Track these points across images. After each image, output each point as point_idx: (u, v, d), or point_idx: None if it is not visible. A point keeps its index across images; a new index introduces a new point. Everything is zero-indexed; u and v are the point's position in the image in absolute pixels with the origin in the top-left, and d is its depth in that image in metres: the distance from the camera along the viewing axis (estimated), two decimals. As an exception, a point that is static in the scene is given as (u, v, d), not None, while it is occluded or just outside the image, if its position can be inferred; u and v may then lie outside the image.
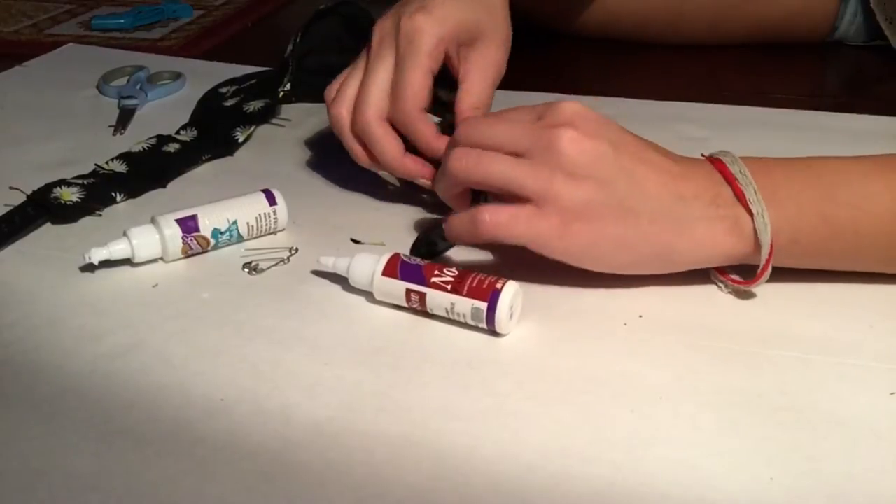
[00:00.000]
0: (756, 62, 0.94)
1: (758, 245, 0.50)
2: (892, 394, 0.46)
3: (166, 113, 0.80)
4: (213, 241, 0.59)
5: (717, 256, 0.51)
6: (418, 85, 0.58)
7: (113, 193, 0.66)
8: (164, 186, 0.68)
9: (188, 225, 0.57)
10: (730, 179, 0.50)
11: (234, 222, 0.59)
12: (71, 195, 0.64)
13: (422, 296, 0.51)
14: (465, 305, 0.49)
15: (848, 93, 0.91)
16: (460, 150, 0.52)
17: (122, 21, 1.08)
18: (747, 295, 0.53)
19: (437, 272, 0.51)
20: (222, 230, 0.59)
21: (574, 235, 0.49)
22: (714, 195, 0.50)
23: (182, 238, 0.57)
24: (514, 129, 0.51)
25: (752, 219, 0.49)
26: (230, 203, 0.60)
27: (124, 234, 0.56)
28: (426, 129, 0.59)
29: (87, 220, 0.64)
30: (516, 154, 0.50)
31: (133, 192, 0.67)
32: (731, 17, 0.95)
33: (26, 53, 0.97)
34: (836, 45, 0.97)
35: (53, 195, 0.64)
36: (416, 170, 0.61)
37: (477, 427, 0.44)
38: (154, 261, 0.57)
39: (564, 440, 0.43)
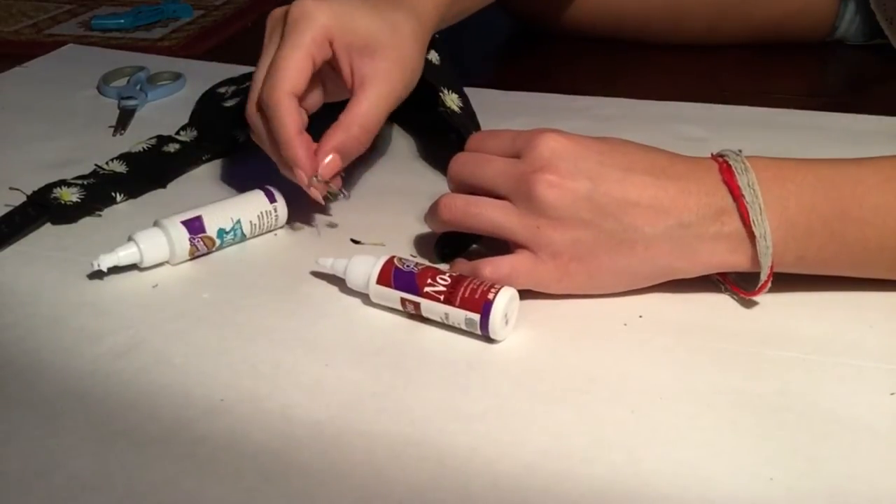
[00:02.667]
0: (756, 62, 0.94)
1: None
2: (892, 394, 0.46)
3: (166, 113, 0.80)
4: (218, 242, 0.59)
5: (718, 269, 0.51)
6: (293, 67, 0.54)
7: (113, 194, 0.66)
8: (164, 187, 0.68)
9: (194, 226, 0.57)
10: (736, 195, 0.48)
11: (238, 221, 0.59)
12: (71, 195, 0.64)
13: (416, 305, 0.51)
14: (458, 316, 0.49)
15: (848, 93, 0.91)
16: (448, 198, 0.53)
17: (122, 21, 1.08)
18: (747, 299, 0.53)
19: (430, 280, 0.50)
20: (227, 230, 0.59)
21: (572, 275, 0.51)
22: (718, 211, 0.49)
23: (189, 239, 0.57)
24: (499, 171, 0.51)
25: (754, 241, 0.49)
26: (231, 202, 0.60)
27: (130, 238, 0.56)
28: (289, 119, 0.54)
29: (88, 221, 0.64)
30: (501, 197, 0.52)
31: (133, 192, 0.67)
32: (731, 17, 0.95)
33: (26, 53, 0.97)
34: (836, 45, 0.97)
35: (53, 195, 0.64)
36: (300, 156, 0.55)
37: (477, 427, 0.44)
38: (161, 264, 0.57)
39: (564, 440, 0.43)
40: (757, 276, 0.50)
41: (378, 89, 0.57)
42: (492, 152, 0.53)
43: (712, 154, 0.51)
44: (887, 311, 0.52)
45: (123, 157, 0.71)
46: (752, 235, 0.48)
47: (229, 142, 0.74)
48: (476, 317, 0.49)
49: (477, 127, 0.69)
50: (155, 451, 0.43)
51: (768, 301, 0.53)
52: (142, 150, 0.72)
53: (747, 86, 0.89)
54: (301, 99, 0.56)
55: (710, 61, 0.94)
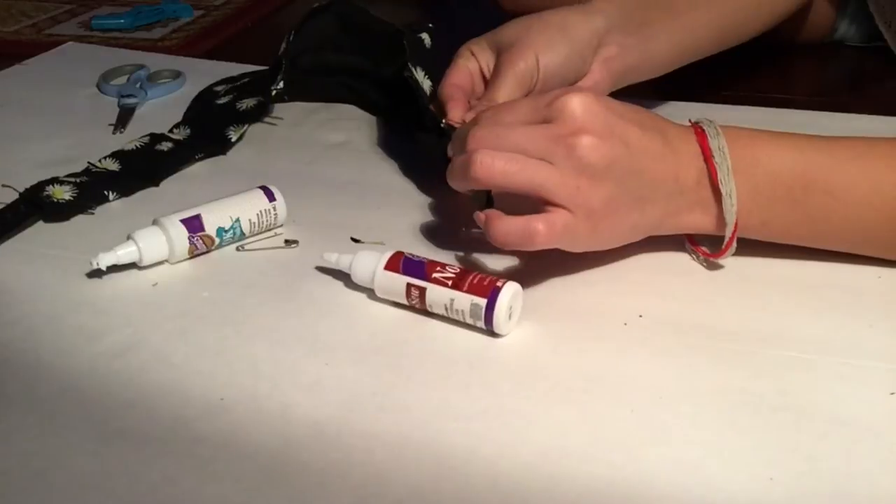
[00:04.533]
0: (756, 62, 0.94)
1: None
2: (892, 394, 0.46)
3: (166, 112, 0.80)
4: (217, 240, 0.58)
5: (690, 230, 0.55)
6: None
7: (105, 192, 0.66)
8: (156, 185, 0.68)
9: (193, 224, 0.57)
10: (707, 156, 0.52)
11: (237, 220, 0.59)
12: (63, 193, 0.64)
13: (422, 291, 0.51)
14: (464, 301, 0.49)
15: (848, 93, 0.91)
16: (485, 153, 0.50)
17: (122, 21, 1.08)
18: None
19: (438, 268, 0.51)
20: (226, 228, 0.59)
21: (601, 232, 0.52)
22: (698, 173, 0.52)
23: (188, 238, 0.57)
24: (529, 136, 0.50)
25: (719, 205, 0.52)
26: (230, 201, 0.60)
27: (129, 237, 0.56)
28: (454, 73, 0.63)
29: (88, 220, 0.64)
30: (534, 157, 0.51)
31: (126, 190, 0.67)
32: (737, 36, 0.95)
33: (26, 53, 0.97)
34: (836, 45, 0.97)
35: (46, 193, 0.64)
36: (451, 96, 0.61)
37: (477, 427, 0.44)
38: (160, 263, 0.57)
39: (564, 440, 0.43)
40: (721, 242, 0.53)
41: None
42: (511, 123, 0.52)
43: (690, 121, 0.54)
44: (887, 311, 0.52)
45: (116, 156, 0.70)
46: (718, 195, 0.51)
47: (222, 140, 0.74)
48: (482, 302, 0.49)
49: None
50: (155, 450, 0.43)
51: (768, 301, 0.53)
52: (135, 148, 0.72)
53: (747, 86, 0.89)
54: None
55: (710, 61, 0.94)
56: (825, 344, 0.50)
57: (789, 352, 0.49)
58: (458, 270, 0.51)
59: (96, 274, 0.56)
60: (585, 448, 0.43)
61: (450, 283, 0.50)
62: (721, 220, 0.53)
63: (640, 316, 0.52)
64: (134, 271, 0.57)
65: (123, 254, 0.55)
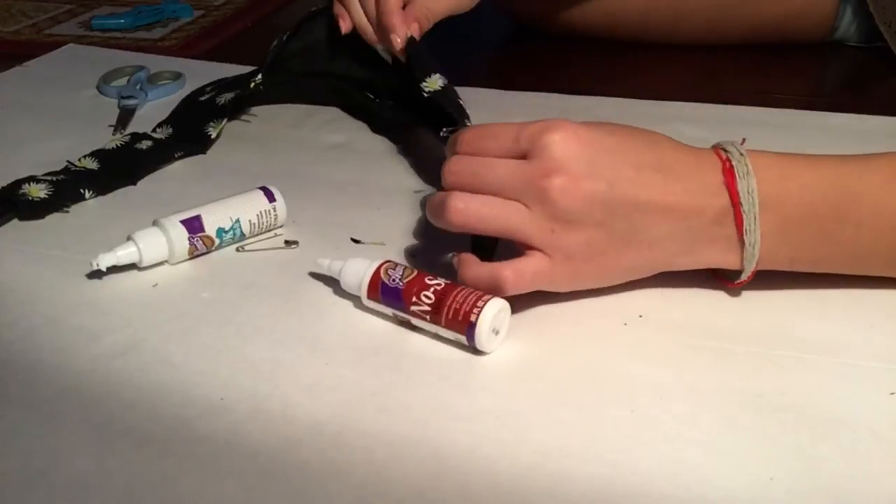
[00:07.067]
0: (756, 62, 0.94)
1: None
2: (892, 394, 0.46)
3: (166, 113, 0.80)
4: (217, 241, 0.58)
5: (715, 265, 0.52)
6: None
7: (82, 190, 0.66)
8: (134, 184, 0.68)
9: (193, 225, 0.57)
10: (734, 202, 0.48)
11: (237, 220, 0.59)
12: (39, 192, 0.64)
13: (406, 320, 0.51)
14: (446, 334, 0.49)
15: (848, 93, 0.91)
16: (458, 198, 0.49)
17: (122, 21, 1.08)
18: (747, 294, 0.53)
19: (415, 298, 0.49)
20: (226, 229, 0.59)
21: (583, 275, 0.51)
22: (718, 214, 0.49)
23: (188, 239, 0.57)
24: (505, 175, 0.49)
25: (743, 247, 0.49)
26: (230, 201, 0.60)
27: (129, 238, 0.56)
28: None
29: (89, 220, 0.64)
30: (509, 199, 0.49)
31: (102, 189, 0.67)
32: (731, 17, 0.95)
33: (26, 53, 0.97)
34: (836, 46, 0.97)
35: (21, 191, 0.64)
36: (398, 22, 0.68)
37: (477, 427, 0.44)
38: (160, 264, 0.57)
39: (564, 440, 0.43)
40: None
41: None
42: (491, 153, 0.50)
43: (715, 146, 0.51)
44: (887, 311, 0.52)
45: (96, 154, 0.70)
46: (742, 240, 0.49)
47: (202, 137, 0.73)
48: (462, 338, 0.49)
49: (461, 112, 0.65)
50: (155, 450, 0.43)
51: (768, 301, 0.53)
52: (115, 146, 0.72)
53: (747, 86, 0.89)
54: None
55: (710, 61, 0.94)
56: (825, 344, 0.50)
57: (789, 352, 0.49)
58: (434, 298, 0.49)
59: (96, 275, 0.56)
60: (585, 448, 0.43)
61: (427, 317, 0.49)
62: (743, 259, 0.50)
63: (640, 316, 0.52)
64: (134, 272, 0.57)
65: (123, 255, 0.55)
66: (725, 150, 0.50)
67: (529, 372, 0.48)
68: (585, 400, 0.46)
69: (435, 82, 0.66)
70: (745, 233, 0.48)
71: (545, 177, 0.47)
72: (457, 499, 0.40)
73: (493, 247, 0.54)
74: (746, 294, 0.54)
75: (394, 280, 0.50)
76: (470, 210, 0.49)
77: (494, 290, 0.49)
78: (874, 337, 0.50)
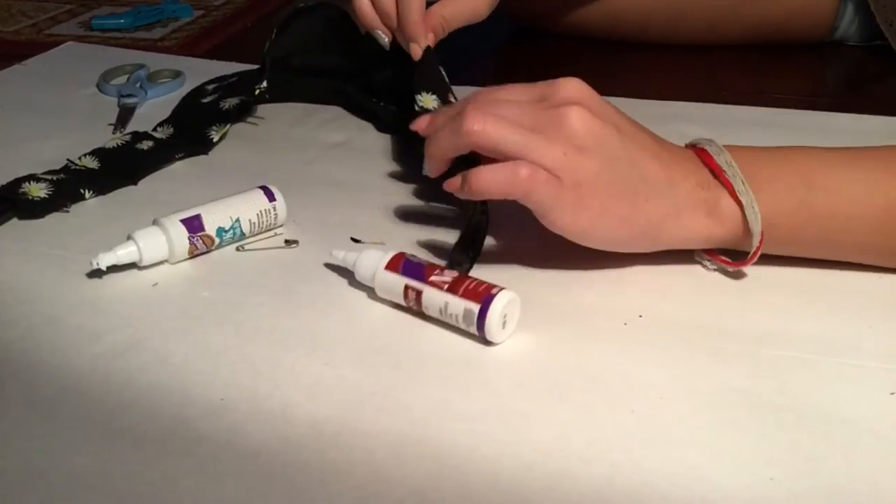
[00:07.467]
0: (756, 62, 0.94)
1: (740, 230, 0.52)
2: (892, 394, 0.46)
3: (166, 111, 0.80)
4: (217, 240, 0.58)
5: (698, 238, 0.53)
6: None
7: (82, 190, 0.66)
8: (135, 184, 0.68)
9: (193, 224, 0.57)
10: (717, 172, 0.52)
11: (237, 220, 0.59)
12: (39, 191, 0.64)
13: (418, 293, 0.50)
14: (457, 306, 0.49)
15: (848, 93, 0.91)
16: (477, 111, 0.51)
17: (122, 21, 1.08)
18: (747, 294, 0.53)
19: (437, 272, 0.51)
20: (226, 228, 0.58)
21: (585, 208, 0.51)
22: (699, 179, 0.52)
23: (188, 238, 0.57)
24: (522, 109, 0.52)
25: (742, 209, 0.51)
26: (230, 201, 0.60)
27: (129, 237, 0.56)
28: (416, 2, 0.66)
29: (89, 220, 0.64)
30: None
31: (102, 188, 0.67)
32: (731, 17, 0.95)
33: (26, 53, 0.97)
34: (836, 45, 0.97)
35: (22, 190, 0.64)
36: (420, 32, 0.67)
37: (477, 427, 0.44)
38: (160, 263, 0.57)
39: (564, 440, 0.43)
40: (739, 253, 0.53)
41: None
42: (505, 99, 0.53)
43: (686, 144, 0.55)
44: (887, 311, 0.52)
45: (96, 153, 0.70)
46: (738, 204, 0.51)
47: (204, 140, 0.73)
48: (475, 308, 0.49)
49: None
50: (155, 450, 0.43)
51: (768, 301, 0.53)
52: (115, 145, 0.72)
53: (747, 86, 0.89)
54: None
55: (710, 61, 0.94)
56: (825, 344, 0.50)
57: (789, 352, 0.49)
58: (457, 275, 0.51)
59: (96, 274, 0.56)
60: (585, 448, 0.43)
61: (445, 286, 0.50)
62: (727, 223, 0.52)
63: (640, 316, 0.52)
64: (134, 271, 0.57)
65: (123, 254, 0.55)
66: (694, 144, 0.54)
67: (529, 372, 0.48)
68: (585, 400, 0.46)
69: (429, 101, 0.66)
70: (738, 194, 0.51)
71: (563, 105, 0.51)
72: (457, 499, 0.40)
73: (474, 256, 0.56)
74: (746, 294, 0.54)
75: (417, 260, 0.52)
76: (489, 120, 0.51)
77: (507, 188, 0.50)
78: (874, 337, 0.50)
